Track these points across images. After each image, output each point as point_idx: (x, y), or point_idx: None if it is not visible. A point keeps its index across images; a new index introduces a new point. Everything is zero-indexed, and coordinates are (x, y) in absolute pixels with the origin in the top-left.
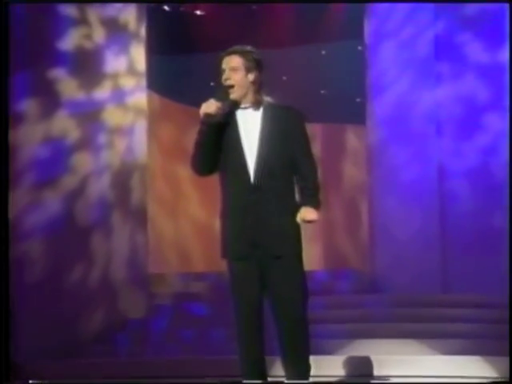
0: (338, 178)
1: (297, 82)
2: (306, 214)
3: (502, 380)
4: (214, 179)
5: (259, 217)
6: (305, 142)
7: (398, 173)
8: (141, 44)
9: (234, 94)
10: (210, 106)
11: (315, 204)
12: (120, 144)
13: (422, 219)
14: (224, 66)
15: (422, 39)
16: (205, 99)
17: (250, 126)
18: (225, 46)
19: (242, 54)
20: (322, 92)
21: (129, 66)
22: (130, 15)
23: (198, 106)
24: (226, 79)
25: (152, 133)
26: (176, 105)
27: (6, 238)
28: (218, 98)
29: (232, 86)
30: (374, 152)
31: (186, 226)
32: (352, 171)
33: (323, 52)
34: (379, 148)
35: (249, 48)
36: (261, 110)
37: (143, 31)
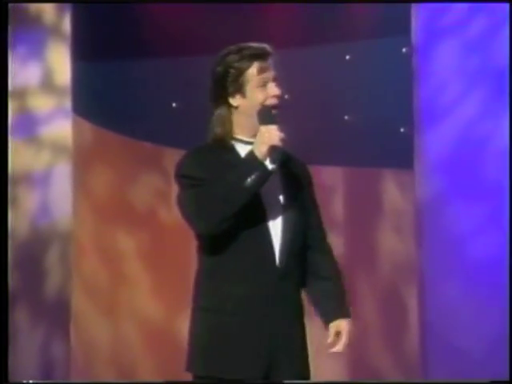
0: (371, 254)
1: (305, 103)
2: (341, 327)
3: (502, 380)
4: (173, 252)
5: (282, 319)
6: (319, 213)
7: (462, 244)
8: (62, 46)
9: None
10: (274, 137)
11: (347, 313)
12: (28, 200)
13: (494, 313)
14: (263, 73)
15: (499, 38)
16: (163, 132)
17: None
18: (196, 49)
19: (272, 53)
20: (346, 118)
21: (44, 78)
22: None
23: (151, 138)
24: (277, 95)
25: (79, 182)
26: (117, 138)
27: None
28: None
29: (276, 107)
30: (425, 212)
31: (129, 325)
32: (392, 242)
33: (347, 57)
34: (433, 206)
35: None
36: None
37: (66, 26)
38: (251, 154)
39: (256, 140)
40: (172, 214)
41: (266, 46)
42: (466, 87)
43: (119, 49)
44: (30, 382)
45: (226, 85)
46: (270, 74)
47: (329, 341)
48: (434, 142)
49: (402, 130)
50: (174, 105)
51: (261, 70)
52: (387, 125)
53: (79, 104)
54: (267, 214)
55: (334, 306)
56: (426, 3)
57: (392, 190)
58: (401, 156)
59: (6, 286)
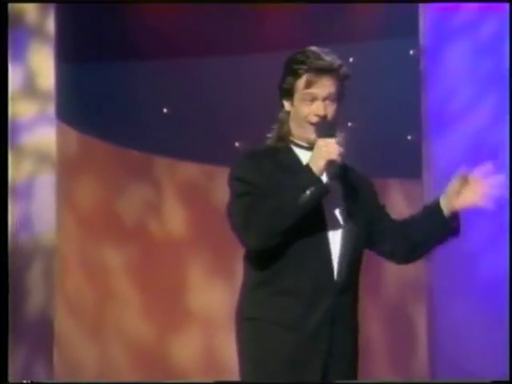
0: (377, 271)
1: None
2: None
3: (502, 380)
4: (165, 269)
5: (338, 337)
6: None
7: (473, 260)
8: (46, 47)
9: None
10: (333, 151)
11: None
12: (9, 213)
13: (507, 334)
14: (311, 88)
15: None
16: (154, 139)
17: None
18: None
19: (338, 71)
20: (350, 125)
21: (26, 82)
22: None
23: (141, 146)
24: (320, 115)
25: (63, 193)
26: (104, 145)
27: None
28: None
29: (316, 125)
30: None
31: (117, 347)
32: None
33: (350, 59)
34: None
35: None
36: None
37: (50, 26)
38: (308, 167)
39: (313, 153)
40: (163, 228)
41: (333, 62)
42: (478, 92)
43: (107, 51)
44: (30, 382)
45: (282, 85)
46: (323, 91)
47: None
48: (444, 151)
49: (409, 137)
50: (165, 110)
51: (309, 85)
52: (393, 132)
53: (64, 110)
54: (327, 226)
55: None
56: (434, 3)
57: (398, 201)
58: (408, 165)
59: (6, 285)
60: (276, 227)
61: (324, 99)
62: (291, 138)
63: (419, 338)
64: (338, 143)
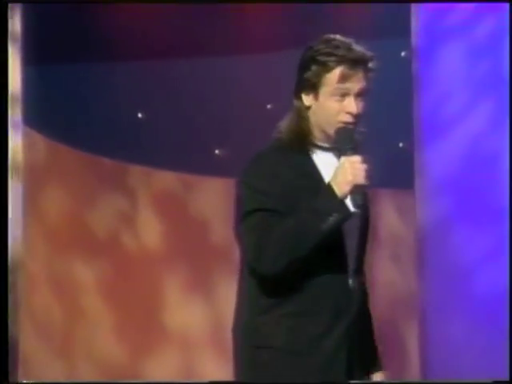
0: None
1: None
2: (380, 378)
3: (502, 380)
4: (139, 285)
5: (358, 353)
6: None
7: (468, 275)
8: (11, 48)
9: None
10: (359, 174)
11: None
12: None
13: (503, 354)
14: (345, 82)
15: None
16: (128, 146)
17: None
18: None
19: (370, 63)
20: None
21: None
22: None
23: (114, 154)
24: (353, 114)
25: (31, 203)
26: (74, 153)
27: None
28: (347, 152)
29: (347, 124)
30: (427, 239)
31: (86, 369)
32: (390, 272)
33: None
34: (436, 232)
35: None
36: None
37: (16, 26)
38: (330, 190)
39: (336, 173)
40: (138, 241)
41: (368, 54)
42: (474, 96)
43: (77, 52)
44: (30, 381)
45: (303, 76)
46: (356, 86)
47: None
48: (437, 159)
49: (400, 145)
50: (139, 115)
51: (343, 78)
52: (384, 139)
53: (31, 115)
54: (346, 249)
55: (376, 358)
56: (427, 3)
57: (389, 213)
58: (399, 174)
59: (5, 285)
60: (295, 253)
61: (357, 95)
62: (311, 138)
63: (411, 357)
64: (364, 162)
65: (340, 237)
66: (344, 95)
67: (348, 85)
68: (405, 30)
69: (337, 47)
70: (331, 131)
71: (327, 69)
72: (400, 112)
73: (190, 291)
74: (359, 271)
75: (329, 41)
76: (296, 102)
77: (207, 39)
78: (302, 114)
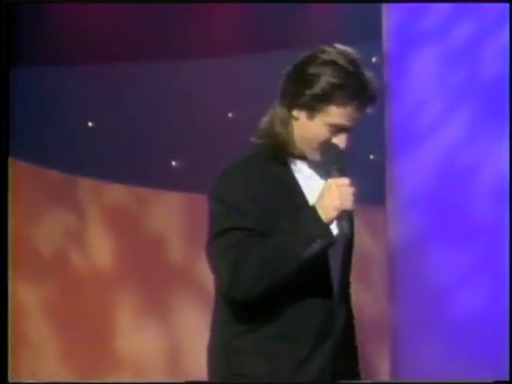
0: None
1: (252, 124)
2: None
3: (502, 380)
4: (88, 308)
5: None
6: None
7: (444, 298)
8: None
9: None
10: (347, 198)
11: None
12: None
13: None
14: (349, 123)
15: (488, 46)
16: (77, 157)
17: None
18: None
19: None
20: None
21: None
22: None
23: (61, 166)
24: (341, 147)
25: None
26: (18, 165)
27: None
28: (333, 172)
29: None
30: (399, 258)
31: None
32: (359, 295)
33: None
34: (409, 251)
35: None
36: None
37: None
38: (315, 214)
39: (322, 195)
40: (87, 259)
41: (376, 90)
42: (449, 105)
43: (22, 53)
44: (30, 381)
45: (304, 91)
46: (355, 124)
47: None
48: (410, 172)
49: (371, 157)
50: (89, 124)
51: (347, 117)
52: (353, 151)
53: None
54: (330, 272)
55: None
56: (400, 3)
57: (359, 230)
58: (370, 189)
59: (5, 285)
60: (273, 279)
61: (350, 131)
62: (291, 149)
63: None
64: (352, 185)
65: (324, 258)
66: (339, 130)
67: (348, 123)
68: (375, 33)
69: (349, 77)
70: (315, 146)
71: (335, 102)
72: (370, 121)
73: (143, 314)
74: (344, 293)
75: (337, 63)
76: (280, 109)
77: (162, 43)
78: (286, 122)
